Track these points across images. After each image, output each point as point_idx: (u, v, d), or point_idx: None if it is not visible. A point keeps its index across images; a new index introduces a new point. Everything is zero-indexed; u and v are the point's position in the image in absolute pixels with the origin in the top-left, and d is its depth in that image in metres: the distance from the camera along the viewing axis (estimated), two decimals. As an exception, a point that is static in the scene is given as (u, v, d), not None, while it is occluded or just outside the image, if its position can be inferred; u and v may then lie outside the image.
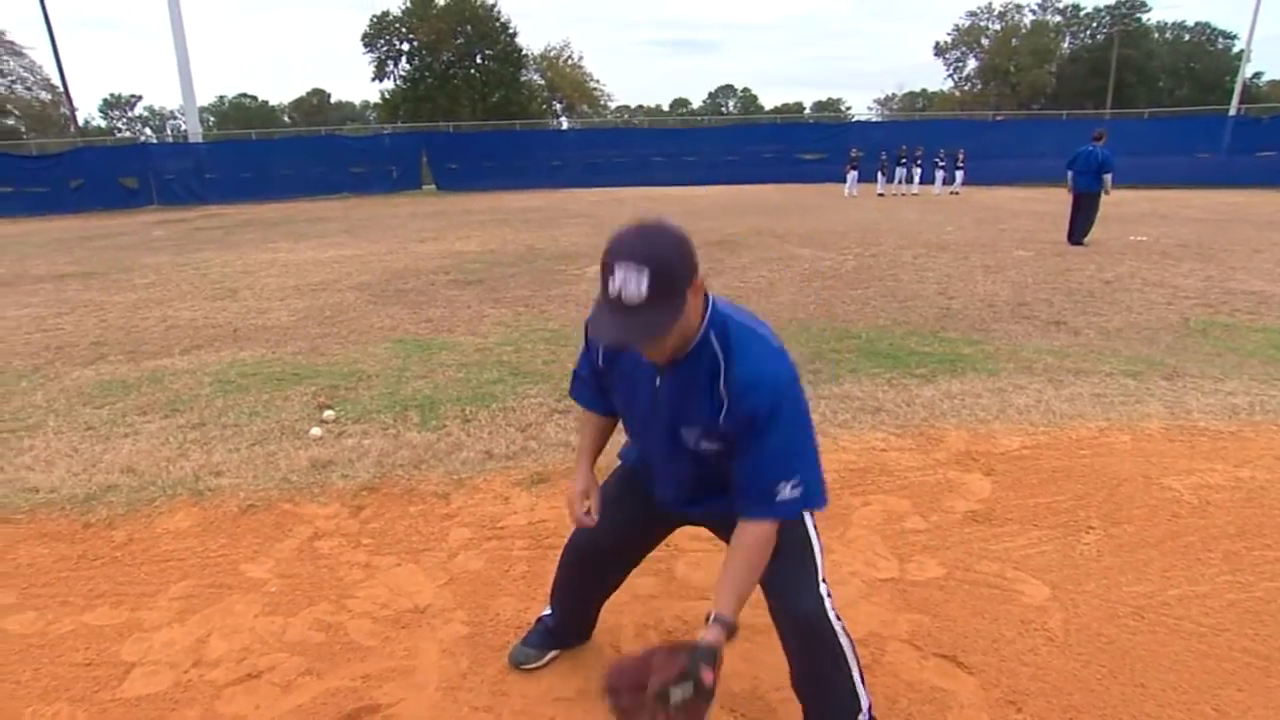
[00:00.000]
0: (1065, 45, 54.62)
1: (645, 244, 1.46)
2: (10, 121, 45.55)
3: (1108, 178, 11.05)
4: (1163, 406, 4.27)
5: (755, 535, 1.61)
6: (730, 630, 1.56)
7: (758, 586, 1.72)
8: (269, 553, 2.96)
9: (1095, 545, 2.87)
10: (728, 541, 1.85)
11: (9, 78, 44.92)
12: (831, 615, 1.77)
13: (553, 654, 2.29)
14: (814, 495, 1.63)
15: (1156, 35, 54.84)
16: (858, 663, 1.82)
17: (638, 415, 1.84)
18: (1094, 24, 53.08)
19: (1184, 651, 2.27)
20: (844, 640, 1.79)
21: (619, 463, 2.12)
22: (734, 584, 1.60)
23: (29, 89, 45.67)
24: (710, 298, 1.62)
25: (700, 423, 1.65)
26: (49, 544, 3.07)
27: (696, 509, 1.92)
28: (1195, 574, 2.67)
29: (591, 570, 2.17)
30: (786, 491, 1.58)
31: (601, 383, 1.94)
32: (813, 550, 1.81)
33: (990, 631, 2.39)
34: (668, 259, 1.46)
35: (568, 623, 2.30)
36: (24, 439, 4.19)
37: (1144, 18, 51.82)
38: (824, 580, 1.80)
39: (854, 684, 1.81)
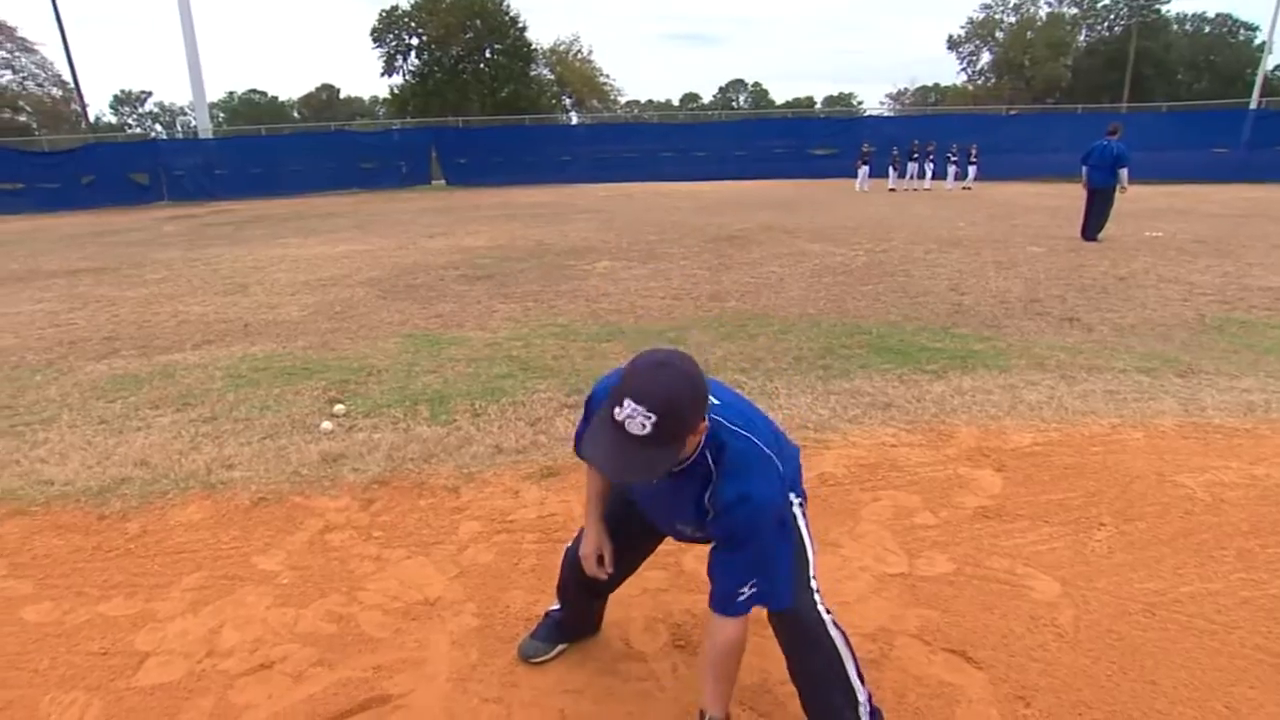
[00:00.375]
0: (1081, 38, 53.95)
1: (660, 388, 1.48)
2: (22, 118, 45.89)
3: (1123, 173, 10.93)
4: (1177, 403, 4.24)
5: (723, 633, 1.70)
6: None
7: None
8: (280, 545, 2.98)
9: (1107, 542, 2.85)
10: None
11: (21, 74, 45.25)
12: (821, 610, 1.83)
13: (561, 647, 2.31)
14: (773, 596, 1.71)
15: (1176, 27, 54.07)
16: (853, 655, 1.85)
17: (638, 495, 1.97)
18: (1111, 16, 52.31)
19: (1196, 649, 2.25)
20: (836, 634, 1.83)
21: None
22: (715, 683, 1.74)
23: (40, 85, 46.00)
24: (710, 420, 1.63)
25: (692, 522, 1.77)
26: (64, 535, 3.10)
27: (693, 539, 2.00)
28: (1208, 571, 2.65)
29: (590, 580, 2.16)
30: (746, 592, 1.67)
31: None
32: (804, 550, 1.87)
33: (1000, 627, 2.39)
34: (678, 409, 1.49)
35: (574, 617, 2.32)
36: (39, 432, 4.23)
37: (1163, 9, 51.09)
38: (814, 577, 1.86)
39: (849, 677, 1.84)
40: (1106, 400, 4.30)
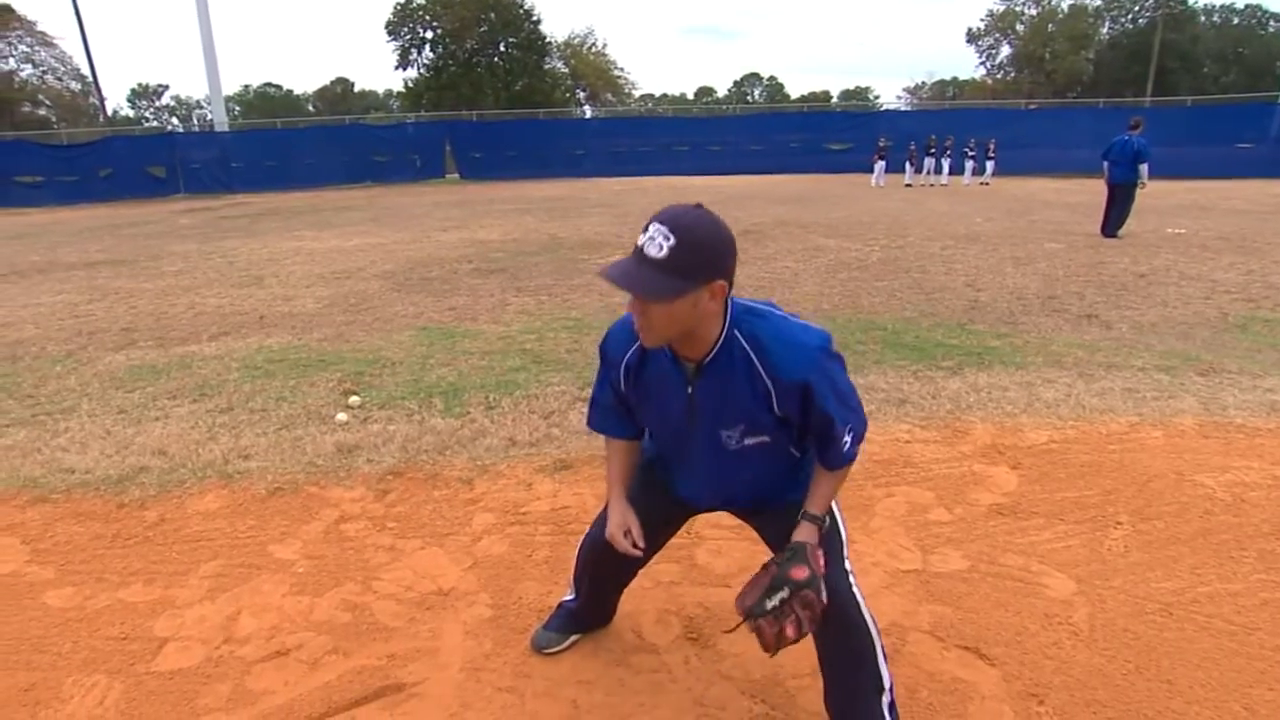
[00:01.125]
0: (1104, 30, 53.21)
1: (688, 220, 1.46)
2: (41, 111, 46.40)
3: (1144, 168, 10.79)
4: (1197, 402, 4.19)
5: (839, 473, 1.75)
6: (820, 522, 1.73)
7: None
8: (296, 534, 3.01)
9: (1123, 541, 2.83)
10: (753, 525, 1.99)
11: (40, 68, 45.80)
12: (856, 592, 1.80)
13: (574, 638, 2.31)
14: (862, 427, 1.73)
15: (1203, 19, 53.12)
16: (881, 643, 1.84)
17: (671, 428, 1.81)
18: (1136, 8, 51.50)
19: (1214, 649, 2.23)
20: (869, 619, 1.81)
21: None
22: (822, 494, 1.75)
23: (59, 79, 46.51)
24: (731, 302, 1.60)
25: (743, 419, 1.66)
26: (85, 523, 3.15)
27: (729, 507, 1.96)
28: (1227, 572, 2.62)
29: (610, 560, 2.12)
30: (848, 439, 1.68)
31: (623, 403, 1.90)
32: (839, 533, 1.86)
33: (1013, 624, 2.38)
34: (701, 241, 1.46)
35: (589, 607, 2.31)
36: (60, 421, 4.29)
37: (1190, 0, 50.22)
38: (847, 558, 1.84)
39: (878, 663, 1.83)
40: (1125, 398, 4.26)
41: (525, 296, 7.32)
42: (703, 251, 1.46)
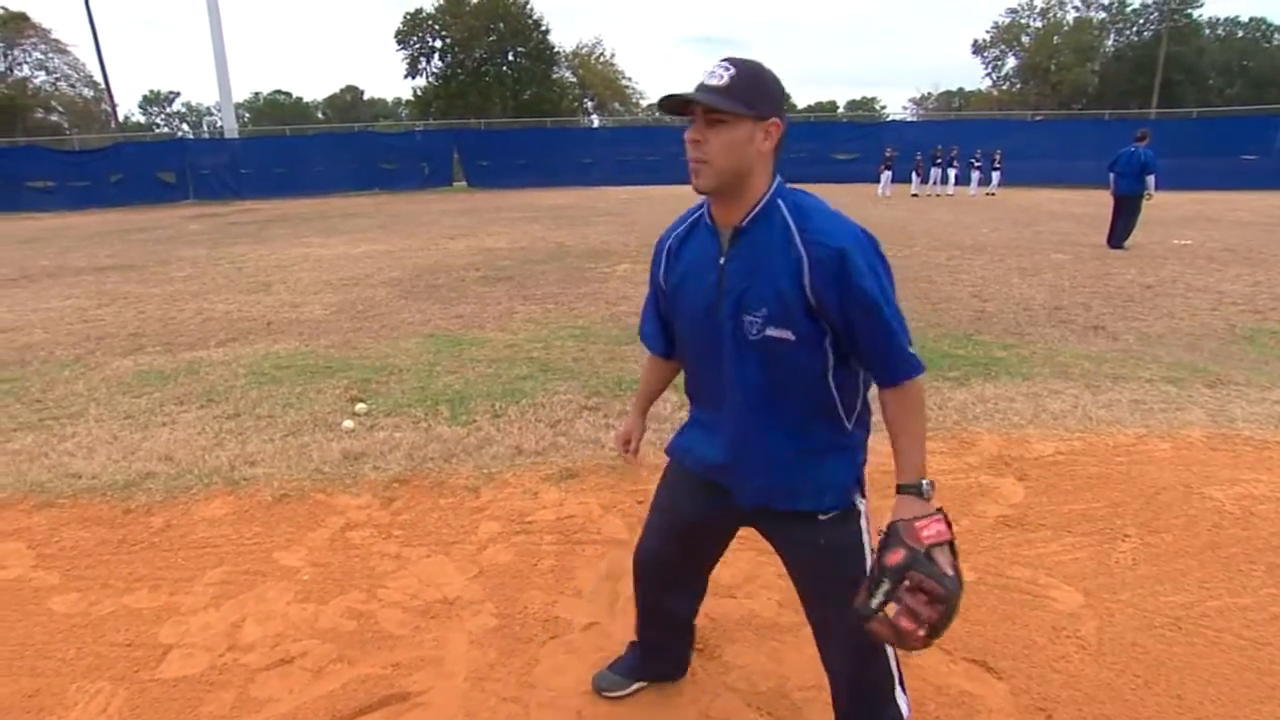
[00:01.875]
0: (1109, 43, 53.21)
1: (748, 60, 1.51)
2: (54, 118, 46.80)
3: (1151, 180, 10.78)
4: (1205, 414, 4.17)
5: (909, 396, 1.54)
6: (915, 490, 1.51)
7: (796, 590, 1.73)
8: (302, 541, 3.01)
9: (1131, 553, 2.81)
10: (775, 543, 1.78)
11: (54, 75, 46.20)
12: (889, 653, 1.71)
13: (639, 685, 2.16)
14: (916, 362, 1.55)
15: (1208, 32, 53.07)
16: (899, 671, 1.76)
17: (699, 321, 1.66)
18: (1141, 20, 51.50)
19: (1224, 664, 2.21)
20: (890, 649, 1.71)
21: (668, 462, 1.97)
22: (904, 448, 1.55)
23: (72, 86, 46.93)
24: (779, 177, 1.59)
25: (769, 299, 1.52)
26: (91, 528, 3.16)
27: (745, 471, 1.70)
28: (1237, 586, 2.61)
29: (659, 582, 2.04)
30: (907, 348, 1.52)
31: (664, 311, 1.82)
32: (864, 555, 1.68)
33: (1021, 637, 2.36)
34: (759, 74, 1.50)
35: (649, 647, 2.16)
36: (67, 426, 4.31)
37: (1195, 14, 50.12)
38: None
39: (896, 693, 1.75)
40: (1132, 410, 4.24)
41: (532, 305, 7.33)
42: (763, 84, 1.50)
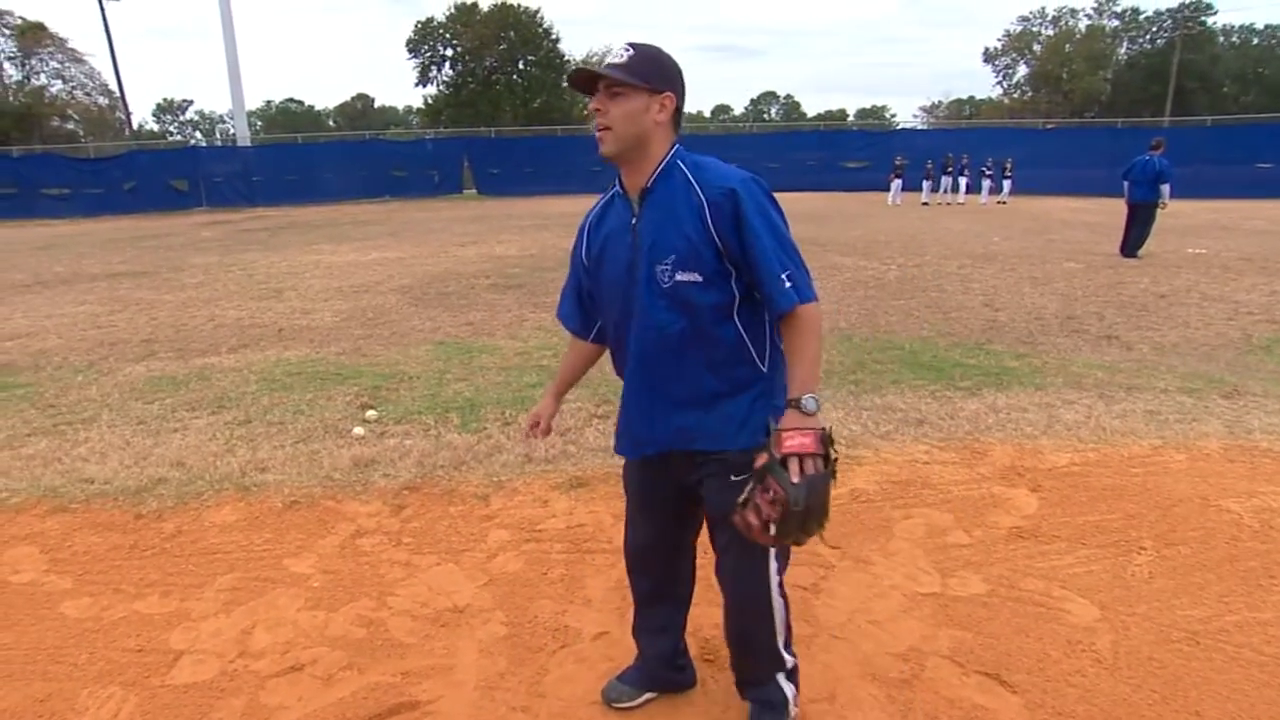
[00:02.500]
0: (1122, 51, 53.02)
1: (648, 45, 1.71)
2: (70, 126, 47.32)
3: (1165, 189, 10.72)
4: (1222, 425, 4.12)
5: (799, 322, 1.64)
6: (796, 403, 1.58)
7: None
8: (312, 548, 3.02)
9: (1147, 566, 2.78)
10: (702, 494, 1.86)
11: (70, 84, 46.71)
12: (774, 588, 1.86)
13: (648, 695, 2.15)
14: (805, 289, 1.65)
15: (1222, 39, 52.81)
16: (787, 628, 1.93)
17: (621, 277, 1.79)
18: (1154, 28, 51.31)
19: (1243, 680, 2.18)
20: (779, 610, 1.89)
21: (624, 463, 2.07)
22: (794, 366, 1.64)
23: (88, 94, 47.41)
24: (679, 142, 1.77)
25: (677, 245, 1.68)
26: (103, 533, 3.17)
27: (664, 414, 1.80)
28: (1256, 600, 2.57)
29: (643, 570, 2.09)
30: (785, 282, 1.64)
31: (583, 290, 1.99)
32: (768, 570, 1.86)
33: (1035, 650, 2.33)
34: (655, 55, 1.70)
35: (648, 655, 2.16)
36: (80, 431, 4.33)
37: (1209, 21, 49.89)
38: (775, 559, 1.85)
39: (779, 646, 1.94)
40: (1147, 421, 4.20)
41: (542, 312, 7.34)
42: (658, 62, 1.69)
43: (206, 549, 3.03)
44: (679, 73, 1.73)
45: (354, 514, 3.29)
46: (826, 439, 1.57)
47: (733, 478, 1.73)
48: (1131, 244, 10.76)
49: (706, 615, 2.52)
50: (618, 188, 1.82)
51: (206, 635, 2.48)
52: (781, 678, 1.96)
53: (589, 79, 1.69)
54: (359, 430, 4.20)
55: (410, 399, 4.77)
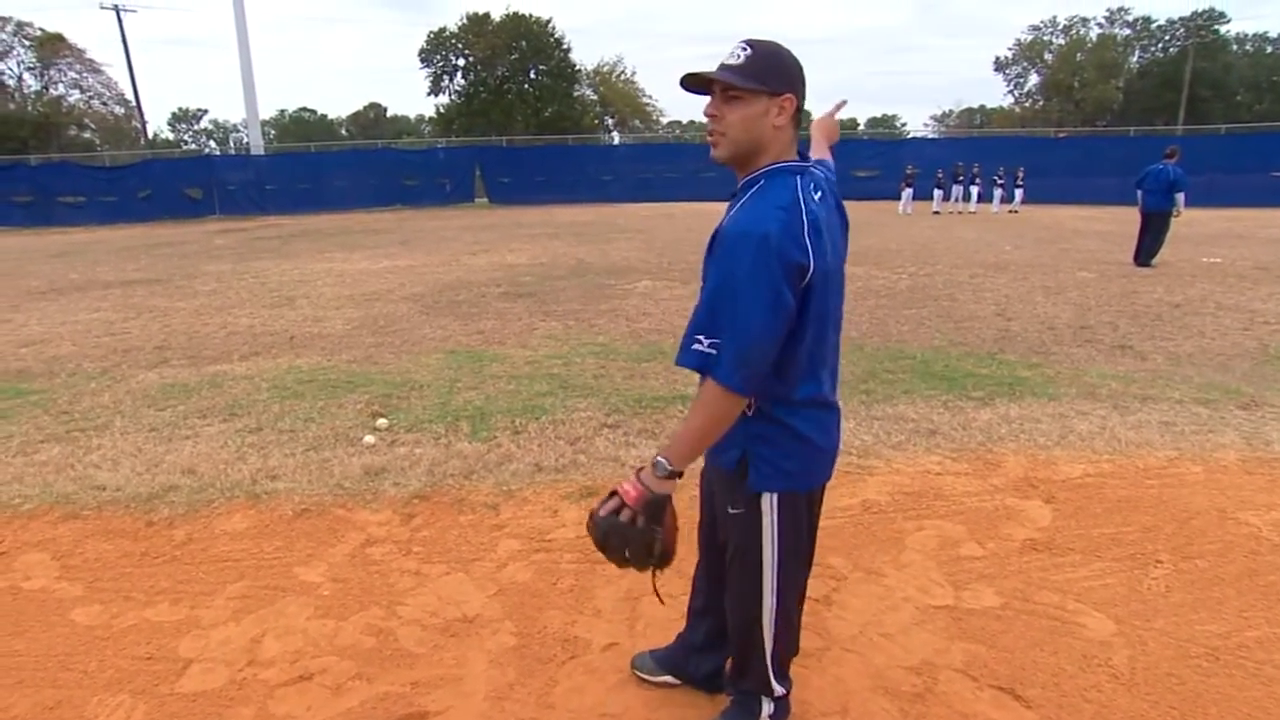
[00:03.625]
0: (1134, 59, 52.73)
1: (765, 41, 1.59)
2: (87, 134, 47.89)
3: (1180, 197, 10.64)
4: (1239, 437, 4.07)
5: (700, 388, 1.57)
6: (654, 461, 1.59)
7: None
8: (322, 557, 3.01)
9: (1164, 580, 2.74)
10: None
11: (87, 94, 47.28)
12: (766, 617, 1.86)
13: (666, 677, 2.23)
14: (719, 365, 1.51)
15: (1235, 47, 52.45)
16: (779, 658, 1.93)
17: None
18: (1166, 37, 51.02)
19: (1265, 698, 2.14)
20: (769, 641, 1.89)
21: None
22: (678, 428, 1.61)
23: (105, 104, 47.98)
24: (791, 166, 1.62)
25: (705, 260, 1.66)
26: (114, 540, 3.18)
27: None
28: (1277, 615, 2.52)
29: (704, 579, 2.12)
30: (703, 345, 1.52)
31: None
32: (761, 562, 1.79)
33: (1050, 665, 2.30)
34: (774, 52, 1.58)
35: (689, 647, 2.20)
36: (93, 438, 4.35)
37: (1222, 29, 49.49)
38: (774, 592, 1.83)
39: (769, 674, 1.93)
40: (1162, 431, 4.16)
41: (553, 321, 7.34)
42: (778, 62, 1.58)
43: (217, 557, 3.04)
44: (800, 71, 1.62)
45: (364, 522, 3.29)
46: (654, 505, 1.60)
47: (730, 510, 1.79)
48: (1145, 253, 10.67)
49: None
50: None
51: (216, 643, 2.48)
52: (765, 701, 1.98)
53: (703, 82, 1.60)
54: (369, 438, 4.21)
55: (421, 407, 4.77)
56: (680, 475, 1.60)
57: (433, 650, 2.43)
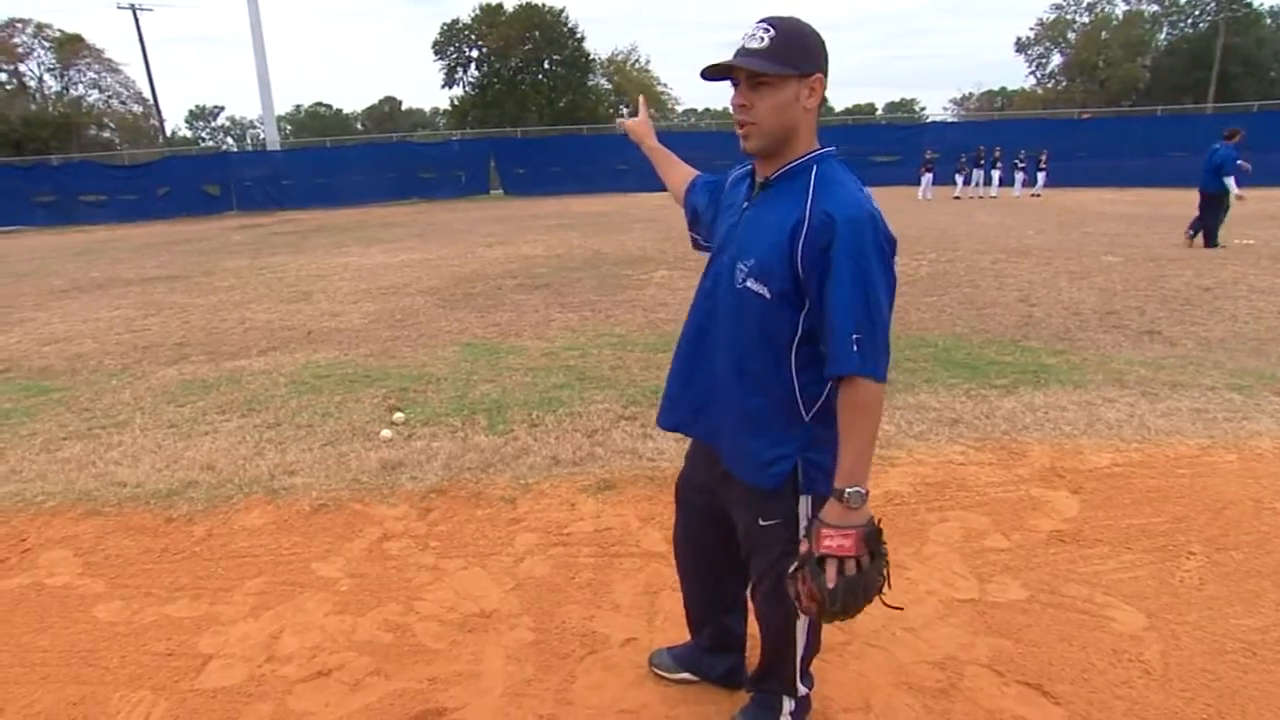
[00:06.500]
0: (1162, 36, 51.52)
1: (786, 18, 1.51)
2: (106, 134, 48.46)
3: (1229, 181, 10.50)
4: (1275, 424, 3.96)
5: (855, 395, 1.48)
6: (838, 496, 1.49)
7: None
8: (340, 552, 3.01)
9: (1197, 572, 2.67)
10: (729, 505, 1.85)
11: (106, 93, 47.85)
12: (801, 628, 1.84)
13: (685, 674, 2.20)
14: (872, 361, 1.46)
15: (1269, 20, 50.99)
16: (805, 661, 1.90)
17: (717, 250, 1.76)
18: (1196, 11, 49.71)
19: (1304, 694, 2.07)
20: (800, 645, 1.86)
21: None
22: (843, 449, 1.50)
23: (123, 103, 48.55)
24: (830, 153, 1.59)
25: (760, 253, 1.56)
26: (135, 537, 3.20)
27: (713, 420, 1.76)
28: (1315, 608, 2.45)
29: (692, 567, 2.10)
30: (855, 342, 1.46)
31: (702, 199, 1.97)
32: (785, 542, 1.70)
33: (1079, 660, 2.25)
34: (800, 30, 1.50)
35: (697, 642, 2.19)
36: (114, 435, 4.39)
37: (1255, 2, 48.12)
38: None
39: (795, 676, 1.90)
40: (1194, 419, 4.05)
41: (569, 313, 7.32)
42: (804, 40, 1.49)
43: (235, 552, 3.04)
44: (825, 46, 1.53)
45: (381, 517, 3.28)
46: (872, 536, 1.50)
47: (760, 522, 1.71)
48: (1206, 235, 10.60)
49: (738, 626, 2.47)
50: (752, 164, 1.70)
51: (235, 639, 2.48)
52: (787, 700, 1.95)
53: (726, 70, 1.52)
54: (386, 433, 4.20)
55: (437, 401, 4.76)
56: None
57: (450, 646, 2.42)
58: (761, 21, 1.50)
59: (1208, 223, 10.59)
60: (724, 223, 1.75)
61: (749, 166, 1.73)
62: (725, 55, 1.54)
